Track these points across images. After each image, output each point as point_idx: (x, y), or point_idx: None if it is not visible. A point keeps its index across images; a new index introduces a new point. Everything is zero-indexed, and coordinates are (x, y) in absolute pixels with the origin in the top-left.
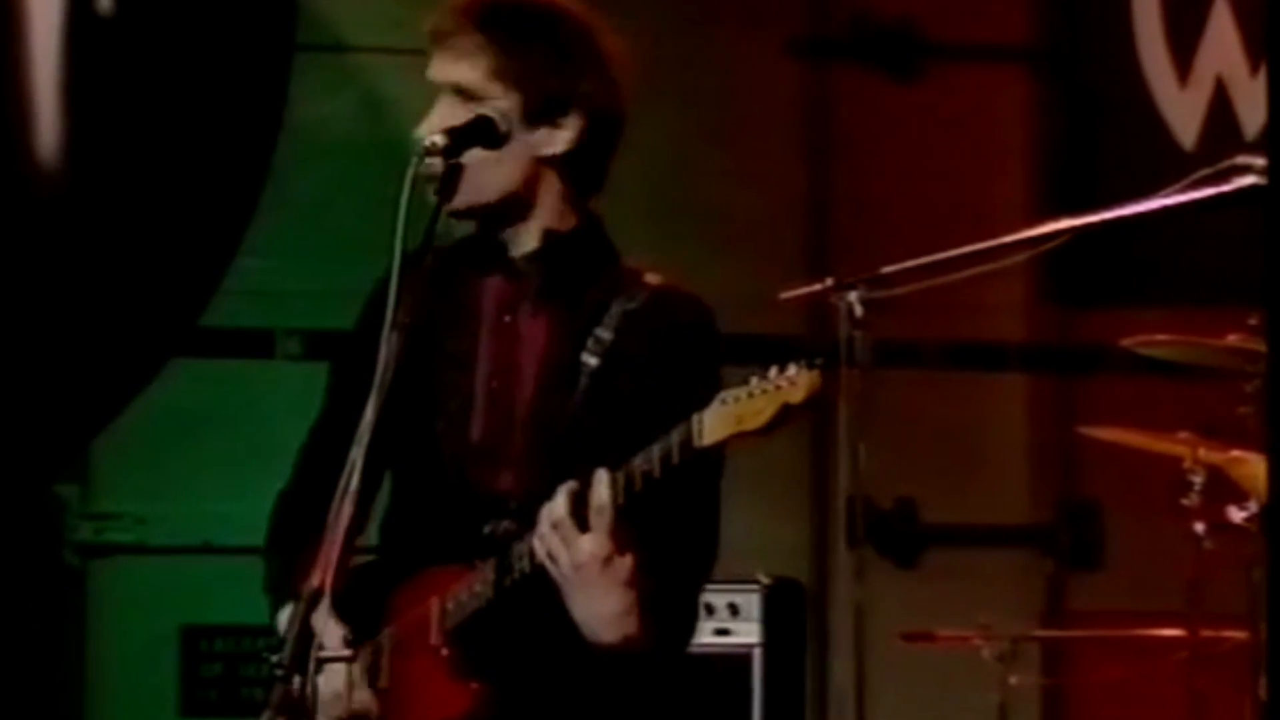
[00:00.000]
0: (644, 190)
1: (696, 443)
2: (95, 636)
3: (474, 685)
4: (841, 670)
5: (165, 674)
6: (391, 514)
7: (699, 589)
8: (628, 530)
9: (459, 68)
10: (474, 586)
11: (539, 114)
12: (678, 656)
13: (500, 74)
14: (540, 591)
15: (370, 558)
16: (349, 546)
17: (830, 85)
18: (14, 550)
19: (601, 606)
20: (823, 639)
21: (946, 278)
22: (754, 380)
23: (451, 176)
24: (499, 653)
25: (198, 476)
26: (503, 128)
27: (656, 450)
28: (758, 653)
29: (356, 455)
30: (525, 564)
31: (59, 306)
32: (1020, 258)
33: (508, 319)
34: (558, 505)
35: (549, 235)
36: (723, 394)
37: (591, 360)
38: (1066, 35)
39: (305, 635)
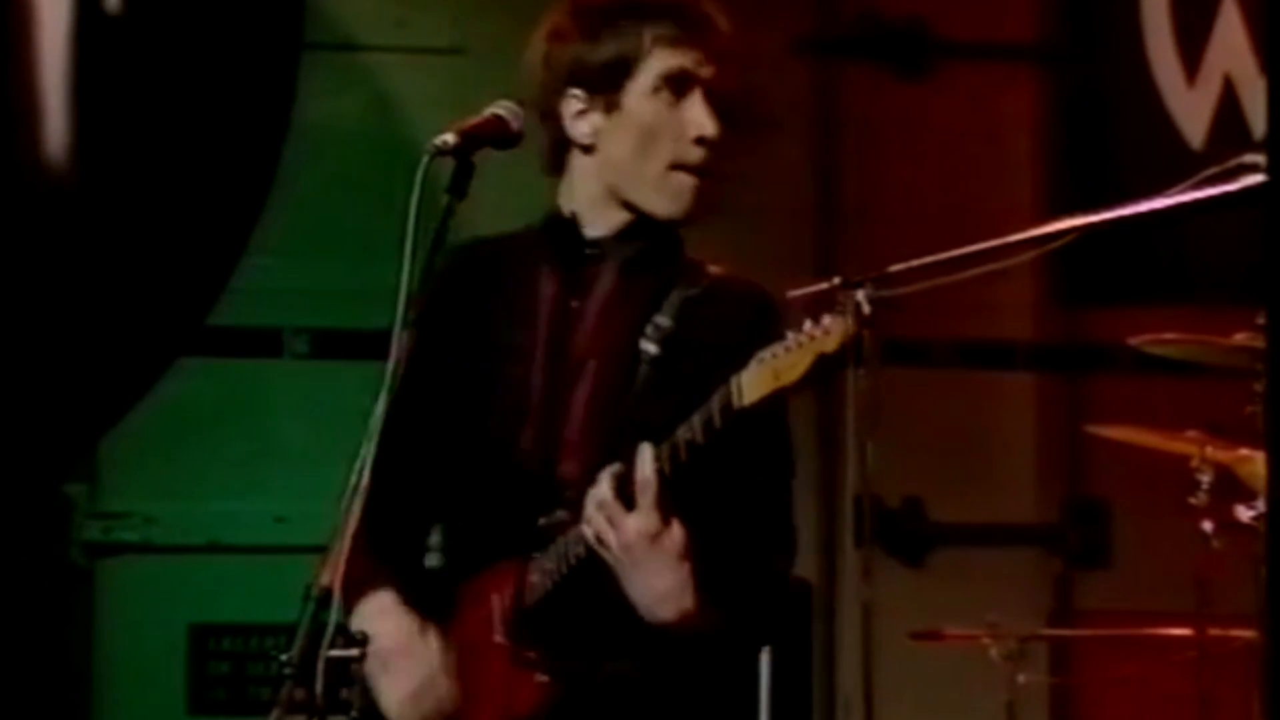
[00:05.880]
0: None
1: (736, 403)
2: (103, 635)
3: (540, 679)
4: (849, 669)
5: (173, 673)
6: (453, 513)
7: (772, 573)
8: (672, 505)
9: (713, 64)
10: (531, 578)
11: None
12: (757, 642)
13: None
14: (599, 579)
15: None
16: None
17: (838, 83)
18: (21, 549)
19: (655, 583)
20: (830, 638)
21: (954, 276)
22: (790, 335)
23: (463, 176)
24: (563, 645)
25: (205, 475)
26: (514, 126)
27: (698, 417)
28: (764, 651)
29: (366, 451)
30: (580, 549)
31: (67, 305)
32: (1028, 256)
33: (574, 304)
34: (602, 487)
35: (630, 219)
36: (760, 353)
37: (651, 348)
38: (1075, 34)
39: (314, 634)
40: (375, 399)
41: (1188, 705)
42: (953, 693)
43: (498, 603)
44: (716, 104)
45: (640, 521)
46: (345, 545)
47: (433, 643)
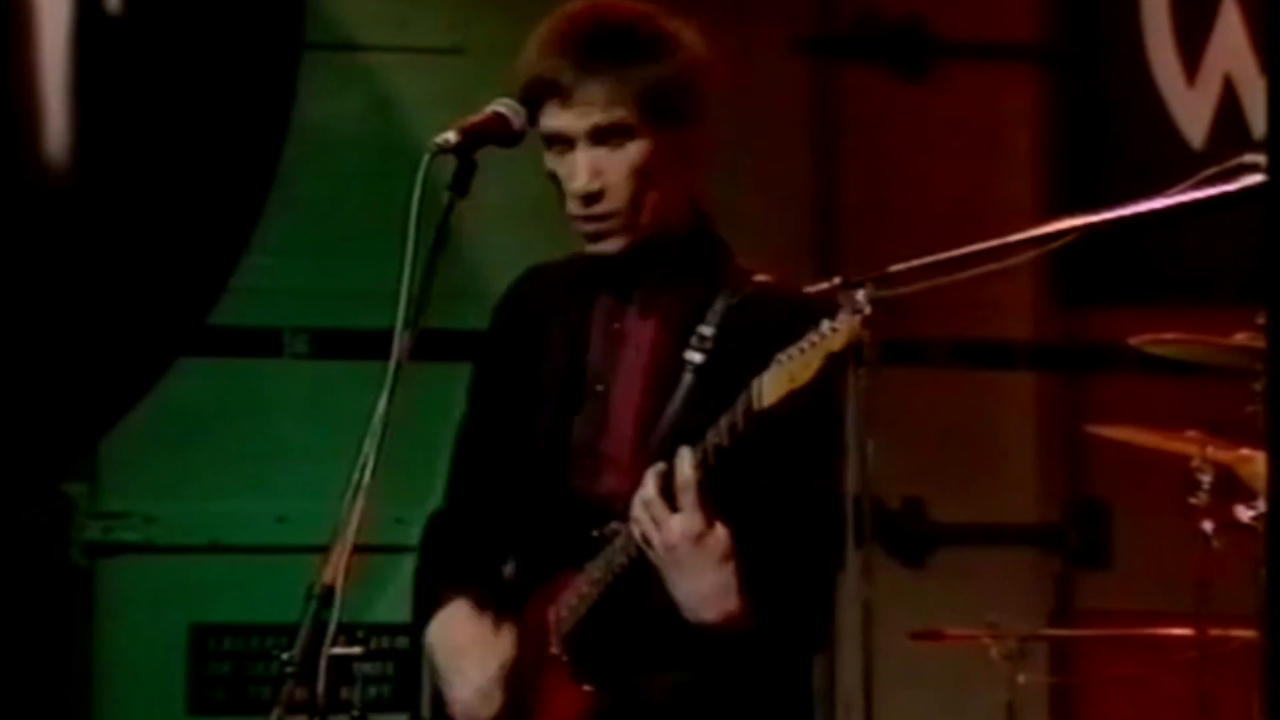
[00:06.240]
0: None
1: (755, 406)
2: (103, 635)
3: (588, 688)
4: (850, 669)
5: (173, 673)
6: (519, 532)
7: (817, 575)
8: (717, 507)
9: (593, 113)
10: (581, 588)
11: (668, 120)
12: (799, 649)
13: (634, 102)
14: (645, 587)
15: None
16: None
17: (837, 83)
18: (22, 549)
19: (699, 584)
20: (830, 638)
21: (954, 276)
22: (807, 335)
23: (465, 174)
24: (613, 654)
25: (206, 475)
26: (515, 124)
27: (724, 421)
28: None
29: (369, 449)
30: (624, 557)
31: (67, 305)
32: (1028, 256)
33: (616, 325)
34: (647, 487)
35: (662, 236)
36: (779, 355)
37: (695, 357)
38: (1075, 34)
39: (316, 633)
40: (375, 399)
41: (1188, 705)
42: (953, 692)
43: (552, 614)
44: (607, 136)
45: (684, 522)
46: (348, 544)
47: (506, 638)
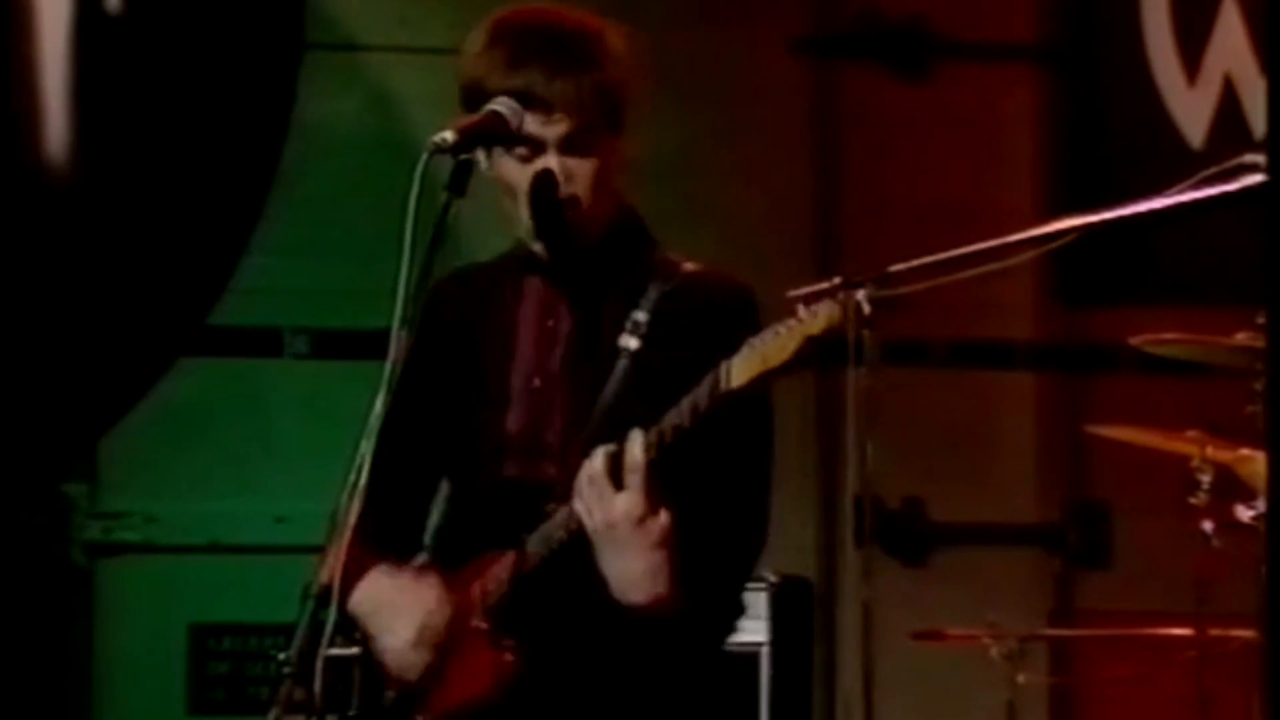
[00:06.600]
0: (649, 190)
1: (724, 386)
2: (103, 635)
3: (506, 656)
4: (849, 669)
5: (173, 672)
6: (445, 515)
7: (742, 567)
8: (662, 492)
9: (567, 120)
10: (512, 562)
11: (616, 126)
12: (716, 635)
13: (594, 110)
14: (578, 565)
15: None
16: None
17: (837, 84)
18: (22, 549)
19: (632, 565)
20: (830, 638)
21: (954, 276)
22: (779, 323)
23: (462, 173)
24: (534, 624)
25: (206, 475)
26: (513, 125)
27: (686, 402)
28: (765, 651)
29: (366, 450)
30: (563, 532)
31: (68, 305)
32: (1028, 256)
33: (549, 317)
34: (595, 463)
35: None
36: (750, 340)
37: (631, 342)
38: (1075, 33)
39: (314, 633)
40: (375, 399)
41: (1188, 705)
42: (953, 692)
43: (478, 589)
44: (576, 143)
45: (627, 502)
46: (344, 543)
47: (431, 581)
